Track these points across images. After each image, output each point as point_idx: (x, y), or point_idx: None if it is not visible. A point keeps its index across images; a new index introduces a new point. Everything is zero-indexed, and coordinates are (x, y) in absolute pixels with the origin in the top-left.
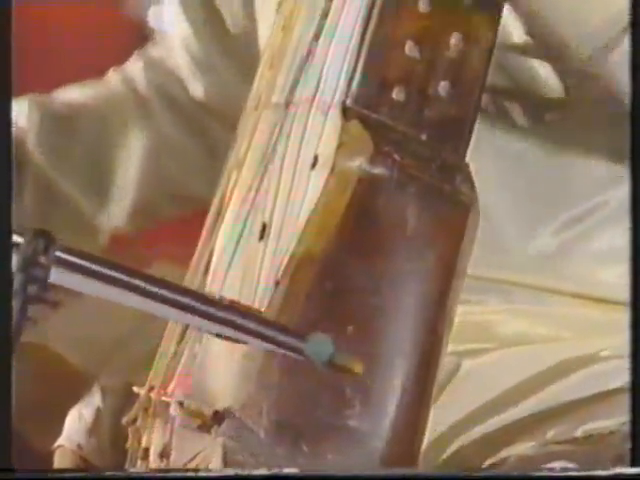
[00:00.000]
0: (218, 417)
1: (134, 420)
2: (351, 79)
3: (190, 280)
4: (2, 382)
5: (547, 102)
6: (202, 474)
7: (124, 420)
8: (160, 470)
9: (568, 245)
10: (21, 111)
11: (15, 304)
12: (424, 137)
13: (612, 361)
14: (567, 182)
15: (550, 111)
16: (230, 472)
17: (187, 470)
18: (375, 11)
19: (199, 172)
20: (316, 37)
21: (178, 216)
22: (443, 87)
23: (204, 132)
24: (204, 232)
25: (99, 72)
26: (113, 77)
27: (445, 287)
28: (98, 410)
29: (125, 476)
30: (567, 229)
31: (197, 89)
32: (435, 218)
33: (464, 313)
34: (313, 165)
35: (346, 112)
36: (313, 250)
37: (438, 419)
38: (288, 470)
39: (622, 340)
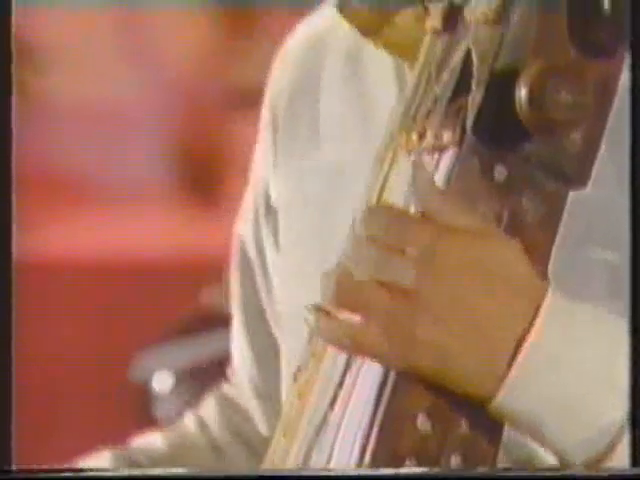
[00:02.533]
0: None
1: None
2: (364, 450)
3: None
4: (2, 381)
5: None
6: (204, 473)
7: None
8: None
9: None
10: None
11: None
12: None
13: None
14: None
15: None
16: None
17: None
18: (388, 384)
19: None
20: (331, 406)
21: None
22: (454, 461)
23: None
24: None
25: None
26: (190, 420)
27: None
28: None
29: (127, 475)
30: None
31: (263, 426)
32: None
33: None
34: None
35: None
36: None
37: None
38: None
39: None
